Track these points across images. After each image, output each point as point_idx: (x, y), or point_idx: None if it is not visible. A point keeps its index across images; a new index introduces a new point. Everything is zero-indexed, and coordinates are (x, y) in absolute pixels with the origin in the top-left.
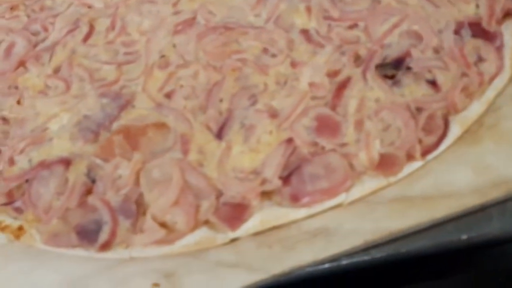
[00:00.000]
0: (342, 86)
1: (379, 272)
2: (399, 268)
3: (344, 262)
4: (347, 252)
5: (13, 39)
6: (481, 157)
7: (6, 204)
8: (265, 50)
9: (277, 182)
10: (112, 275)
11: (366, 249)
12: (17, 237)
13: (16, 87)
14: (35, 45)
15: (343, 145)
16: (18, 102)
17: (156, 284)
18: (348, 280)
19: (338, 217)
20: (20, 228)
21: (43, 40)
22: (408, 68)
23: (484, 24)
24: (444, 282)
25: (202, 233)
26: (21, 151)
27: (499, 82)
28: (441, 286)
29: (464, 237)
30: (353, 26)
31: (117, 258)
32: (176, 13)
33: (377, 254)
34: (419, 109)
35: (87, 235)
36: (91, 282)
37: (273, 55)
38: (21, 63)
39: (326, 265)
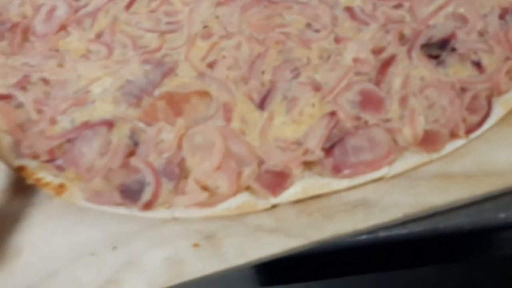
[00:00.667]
0: (387, 63)
1: (416, 247)
2: (436, 244)
3: (382, 234)
4: (385, 224)
5: (54, 2)
6: None
7: (48, 161)
8: (308, 25)
9: (320, 153)
10: (153, 233)
11: (404, 222)
12: (59, 193)
13: (57, 50)
14: (77, 10)
15: (387, 120)
16: (60, 65)
17: (196, 245)
18: (385, 253)
19: (379, 190)
20: (61, 186)
21: (85, 5)
22: (453, 49)
23: None
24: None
25: (244, 197)
26: (63, 112)
27: None
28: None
29: (502, 215)
30: (398, 6)
31: (159, 217)
32: None
33: (415, 228)
34: (463, 89)
35: (130, 194)
36: (133, 239)
37: (317, 30)
38: (63, 27)
39: (364, 237)
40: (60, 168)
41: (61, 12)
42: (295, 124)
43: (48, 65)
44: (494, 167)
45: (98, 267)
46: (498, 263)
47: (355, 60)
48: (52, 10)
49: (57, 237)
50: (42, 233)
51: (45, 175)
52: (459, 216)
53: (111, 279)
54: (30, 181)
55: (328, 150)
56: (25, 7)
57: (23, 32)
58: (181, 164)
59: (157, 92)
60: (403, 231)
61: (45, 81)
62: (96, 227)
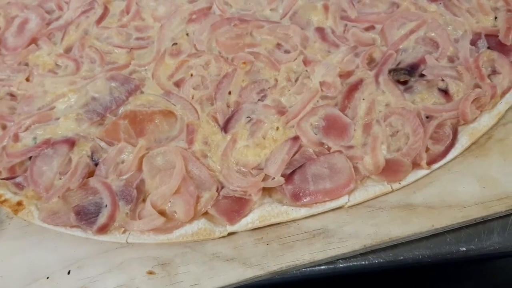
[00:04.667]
0: (354, 88)
1: (376, 278)
2: (396, 276)
3: (341, 265)
4: (344, 255)
5: (27, 15)
6: (487, 170)
7: (7, 178)
8: (278, 46)
9: (280, 180)
10: (108, 258)
11: (363, 253)
12: (16, 212)
13: (27, 64)
14: (49, 23)
15: (350, 147)
16: (27, 79)
17: (151, 272)
18: (343, 284)
19: (339, 219)
20: (20, 203)
21: (57, 18)
22: (422, 75)
23: (501, 36)
24: None
25: (201, 224)
26: (27, 128)
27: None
28: None
29: (462, 248)
30: (370, 28)
31: (114, 242)
32: (192, 1)
33: (374, 259)
34: (429, 117)
35: (86, 216)
36: (88, 264)
37: (287, 51)
38: (33, 40)
39: (323, 267)
40: (19, 186)
41: (33, 24)
42: (258, 148)
43: (17, 79)
44: (456, 199)
45: None
46: None
47: (322, 83)
48: (25, 22)
49: (15, 258)
50: (0, 253)
51: (5, 192)
52: (419, 248)
53: None
54: None
55: (289, 177)
56: None
57: None
58: (140, 187)
59: (121, 110)
60: (362, 262)
61: (12, 95)
62: (52, 250)
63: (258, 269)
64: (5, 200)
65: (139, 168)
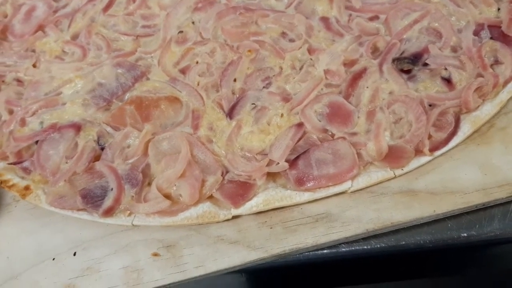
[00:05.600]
0: (358, 76)
1: (378, 263)
2: (398, 260)
3: (344, 249)
4: (347, 240)
5: (34, 2)
6: (489, 157)
7: (14, 163)
8: (283, 34)
9: (284, 165)
10: (114, 240)
11: (366, 238)
12: (24, 196)
13: (34, 51)
14: (55, 11)
15: (353, 134)
16: (34, 65)
17: (156, 254)
18: (346, 267)
19: (342, 204)
20: (27, 188)
21: (64, 6)
22: (425, 64)
23: (504, 27)
24: (443, 279)
25: (205, 207)
26: (33, 113)
27: None
28: (439, 284)
29: (464, 234)
30: (374, 18)
31: (119, 225)
32: None
33: (377, 244)
34: (431, 105)
35: (92, 199)
36: (93, 246)
37: (291, 40)
38: (40, 27)
39: (325, 251)
40: (26, 170)
41: (40, 12)
42: (263, 134)
43: (24, 65)
44: (457, 186)
45: (57, 272)
46: (461, 282)
47: (327, 71)
48: (32, 10)
49: (21, 239)
50: (7, 234)
51: (12, 177)
52: (421, 233)
53: (69, 285)
54: None
55: (293, 162)
56: (6, 6)
57: (2, 32)
58: (145, 171)
59: (127, 96)
60: (364, 246)
61: (19, 81)
62: (58, 232)
63: (261, 252)
64: (13, 185)
65: (145, 153)
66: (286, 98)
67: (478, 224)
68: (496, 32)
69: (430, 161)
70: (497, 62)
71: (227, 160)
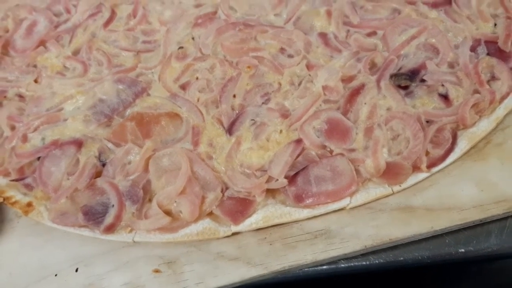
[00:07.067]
0: (356, 92)
1: (376, 278)
2: (396, 276)
3: (343, 265)
4: (346, 256)
5: (35, 18)
6: (486, 173)
7: (17, 180)
8: (282, 50)
9: (283, 181)
10: (115, 257)
11: (364, 254)
12: (26, 212)
13: (35, 66)
14: (57, 26)
15: (351, 150)
16: (36, 81)
17: (157, 270)
18: (345, 283)
19: (340, 220)
20: (29, 205)
21: (65, 21)
22: (422, 80)
23: (500, 43)
24: None
25: (206, 224)
26: (35, 129)
27: (510, 102)
28: None
29: (461, 250)
30: (372, 34)
31: (120, 241)
32: (198, 6)
33: (375, 260)
34: (429, 122)
35: (93, 216)
36: (95, 262)
37: (290, 56)
38: (42, 42)
39: (325, 267)
40: (29, 187)
41: (41, 27)
42: (262, 150)
43: (25, 81)
44: (454, 202)
45: None
46: None
47: (325, 87)
48: (33, 25)
49: (24, 255)
50: (10, 250)
51: (15, 193)
52: (419, 249)
53: None
54: (0, 199)
55: (292, 179)
56: (7, 21)
57: (4, 47)
58: (146, 187)
59: (128, 112)
60: (363, 262)
61: (21, 96)
62: (60, 248)
63: (261, 268)
64: (15, 202)
65: (146, 169)
66: (284, 114)
67: (476, 239)
68: (493, 47)
69: (427, 177)
70: (493, 78)
71: (227, 177)
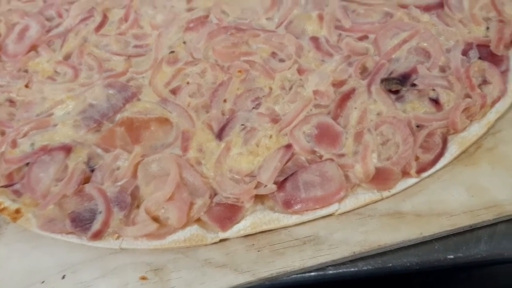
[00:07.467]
0: (346, 97)
1: (365, 285)
2: (385, 283)
3: (331, 271)
4: (334, 262)
5: (27, 22)
6: (476, 178)
7: (5, 186)
8: (273, 54)
9: (272, 187)
10: (102, 264)
11: (353, 260)
12: (14, 219)
13: (26, 71)
14: (48, 30)
15: (341, 155)
16: (27, 86)
17: (144, 277)
18: None
19: (329, 226)
20: (18, 211)
21: (57, 26)
22: (413, 85)
23: (492, 47)
24: None
25: (193, 230)
26: (25, 134)
27: (501, 106)
28: None
29: (450, 256)
30: (363, 38)
31: (108, 248)
32: (190, 10)
33: (364, 266)
34: (419, 126)
35: (81, 222)
36: (82, 269)
37: (281, 60)
38: (33, 47)
39: (313, 273)
40: (17, 193)
41: (33, 32)
42: (251, 156)
43: (16, 86)
44: (444, 207)
45: None
46: None
47: (315, 92)
48: (25, 29)
49: (11, 262)
50: None
51: (3, 200)
52: (408, 255)
53: None
54: None
55: (281, 184)
56: None
57: None
58: (135, 193)
59: (118, 117)
60: (351, 268)
61: (11, 101)
62: (48, 255)
63: (249, 275)
64: (4, 208)
65: (134, 175)
66: (275, 119)
67: (465, 246)
68: (485, 51)
69: (417, 182)
70: (485, 82)
71: (216, 182)
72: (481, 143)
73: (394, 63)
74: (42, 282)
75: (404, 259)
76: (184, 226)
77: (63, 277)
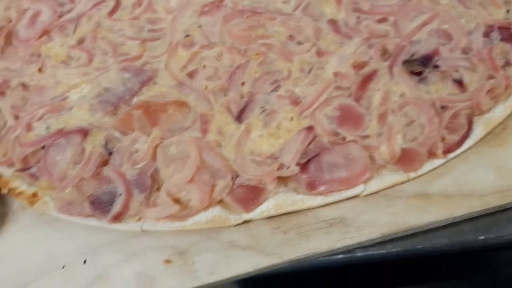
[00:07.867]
0: (368, 79)
1: (394, 267)
2: (414, 265)
3: (359, 254)
4: (362, 244)
5: (39, 7)
6: (503, 159)
7: (21, 170)
8: (291, 37)
9: (295, 169)
10: (124, 246)
11: (381, 242)
12: (32, 203)
13: (39, 55)
14: (60, 16)
15: (365, 137)
16: (40, 70)
17: (168, 261)
18: (361, 272)
19: (355, 208)
20: (35, 195)
21: (69, 11)
22: (436, 66)
23: None
24: (460, 283)
25: (216, 212)
26: (40, 118)
27: None
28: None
29: (481, 237)
30: (382, 20)
31: (129, 230)
32: None
33: (393, 248)
34: (443, 107)
35: (100, 205)
36: (103, 252)
37: (299, 43)
38: (45, 32)
39: (340, 256)
40: (34, 177)
41: (45, 17)
42: (272, 138)
43: (29, 70)
44: (472, 188)
45: (67, 282)
46: (479, 284)
47: (336, 74)
48: (36, 15)
49: (29, 248)
50: (15, 243)
51: (20, 184)
52: (437, 237)
53: None
54: (4, 191)
55: (304, 166)
56: (10, 11)
57: (7, 37)
58: (154, 175)
59: (135, 101)
60: (380, 251)
61: (25, 86)
62: (67, 239)
63: (275, 257)
64: (20, 193)
65: (153, 158)
66: (295, 102)
67: (495, 226)
68: (506, 33)
69: (443, 163)
70: (508, 63)
71: (237, 165)
72: (507, 124)
73: (415, 45)
74: (63, 267)
75: (433, 240)
76: (206, 208)
77: (84, 262)
